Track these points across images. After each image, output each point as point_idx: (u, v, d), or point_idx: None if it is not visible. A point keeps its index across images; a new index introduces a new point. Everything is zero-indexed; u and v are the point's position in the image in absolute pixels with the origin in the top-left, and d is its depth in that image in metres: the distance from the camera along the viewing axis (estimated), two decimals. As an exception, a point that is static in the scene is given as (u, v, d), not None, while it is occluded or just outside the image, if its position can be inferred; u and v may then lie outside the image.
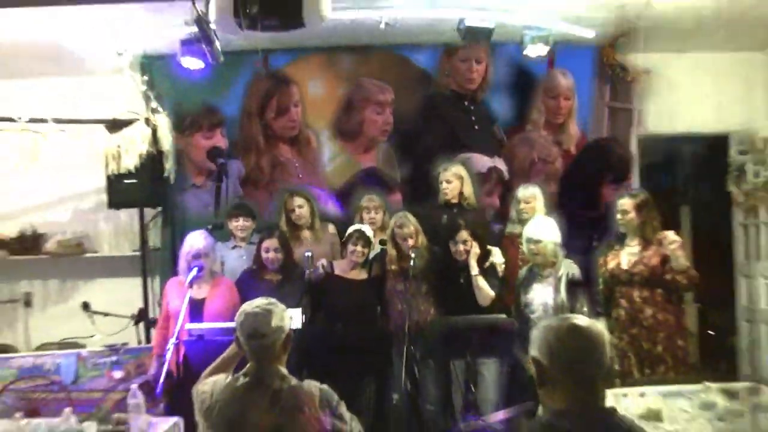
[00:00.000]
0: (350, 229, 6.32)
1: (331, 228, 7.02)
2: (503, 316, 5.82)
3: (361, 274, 6.31)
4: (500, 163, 7.62)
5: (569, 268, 6.05)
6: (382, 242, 6.43)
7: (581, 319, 2.47)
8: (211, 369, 3.80)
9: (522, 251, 6.42)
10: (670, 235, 5.82)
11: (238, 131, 7.65)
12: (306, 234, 6.79)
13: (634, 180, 7.63)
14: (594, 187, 7.54)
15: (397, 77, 7.73)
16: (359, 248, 6.19)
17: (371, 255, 6.41)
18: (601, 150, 7.71)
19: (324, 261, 6.30)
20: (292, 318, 5.31)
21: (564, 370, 2.36)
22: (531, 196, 6.72)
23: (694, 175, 9.91)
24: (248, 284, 6.15)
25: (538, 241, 6.01)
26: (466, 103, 7.77)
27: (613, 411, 2.34)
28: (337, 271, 6.30)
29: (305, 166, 7.67)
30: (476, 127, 7.73)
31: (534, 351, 2.45)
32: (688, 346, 5.91)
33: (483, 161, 7.56)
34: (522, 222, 6.63)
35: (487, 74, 7.74)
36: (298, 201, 6.82)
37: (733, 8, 6.52)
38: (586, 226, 7.15)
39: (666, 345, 5.81)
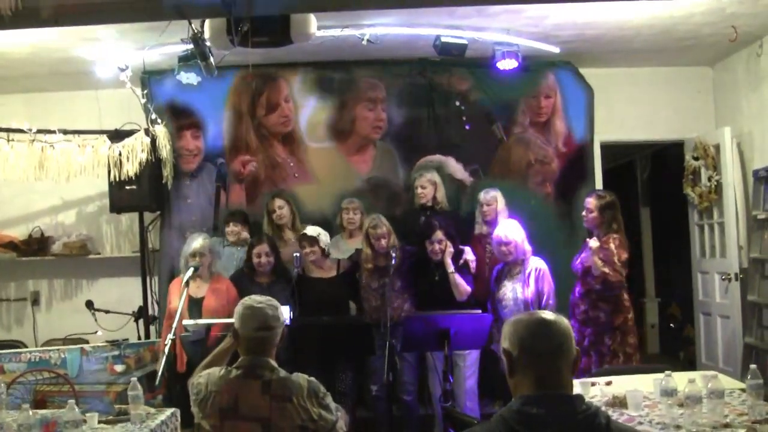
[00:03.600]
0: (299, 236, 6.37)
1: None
2: (479, 310, 5.82)
3: (331, 271, 6.35)
4: (466, 176, 7.48)
5: (537, 263, 6.09)
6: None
7: (548, 314, 2.49)
8: (206, 362, 3.78)
9: (488, 250, 6.51)
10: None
11: (229, 132, 7.52)
12: (289, 234, 6.80)
13: (598, 183, 7.61)
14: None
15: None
16: (307, 249, 6.23)
17: (347, 255, 6.44)
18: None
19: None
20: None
21: (533, 360, 2.37)
22: (492, 198, 6.76)
23: (652, 180, 9.97)
24: (241, 286, 6.16)
25: (507, 243, 6.05)
26: (457, 103, 7.61)
27: (580, 398, 2.34)
28: (308, 272, 6.34)
29: (299, 165, 7.53)
30: (468, 126, 7.59)
31: (505, 343, 2.44)
32: (616, 344, 5.86)
33: (456, 169, 7.50)
34: (486, 223, 6.72)
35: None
36: (279, 202, 6.86)
37: (684, 27, 6.56)
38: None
39: (592, 340, 5.86)
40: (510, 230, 6.10)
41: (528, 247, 6.12)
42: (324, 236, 6.29)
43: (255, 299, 3.59)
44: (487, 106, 7.56)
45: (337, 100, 7.54)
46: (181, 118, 7.40)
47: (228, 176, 7.32)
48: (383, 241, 6.19)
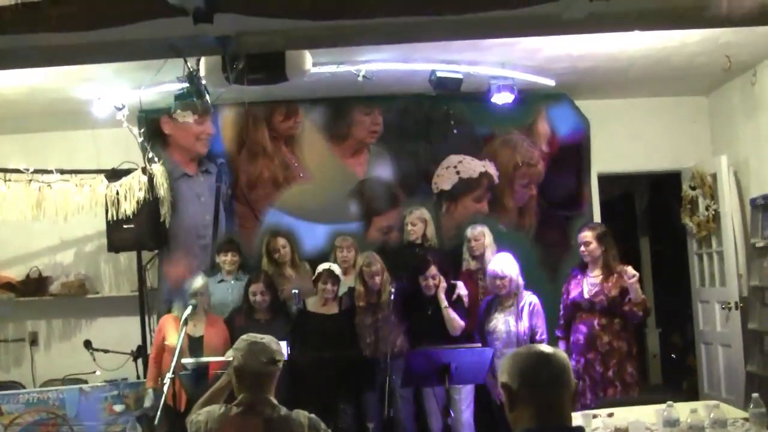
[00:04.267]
0: (319, 268, 6.39)
1: (307, 266, 7.03)
2: (479, 345, 5.80)
3: (332, 309, 6.36)
4: (491, 167, 7.56)
5: (530, 298, 6.13)
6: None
7: (546, 347, 2.51)
8: (203, 400, 3.76)
9: (481, 285, 6.56)
10: (630, 269, 5.86)
11: (240, 138, 7.57)
12: (289, 271, 6.81)
13: (596, 215, 7.63)
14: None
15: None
16: (329, 286, 6.27)
17: (341, 291, 6.45)
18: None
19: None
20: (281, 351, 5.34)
21: (534, 393, 2.37)
22: (480, 233, 6.79)
23: (651, 210, 9.98)
24: (239, 324, 6.17)
25: (503, 277, 6.06)
26: (445, 107, 7.59)
27: (580, 430, 2.34)
28: (309, 308, 6.37)
29: (303, 168, 7.57)
30: (455, 132, 7.61)
31: (504, 377, 2.45)
32: (635, 372, 5.92)
33: (474, 165, 7.55)
34: (474, 258, 6.77)
35: None
36: (281, 242, 6.91)
37: (678, 57, 6.60)
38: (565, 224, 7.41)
39: (616, 369, 5.85)
40: (505, 264, 6.11)
41: (521, 281, 6.15)
42: (342, 278, 6.38)
43: (255, 336, 3.59)
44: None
45: (334, 104, 7.58)
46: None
47: (228, 176, 7.34)
48: (377, 279, 6.23)
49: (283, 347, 5.48)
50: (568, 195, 7.67)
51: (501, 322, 6.07)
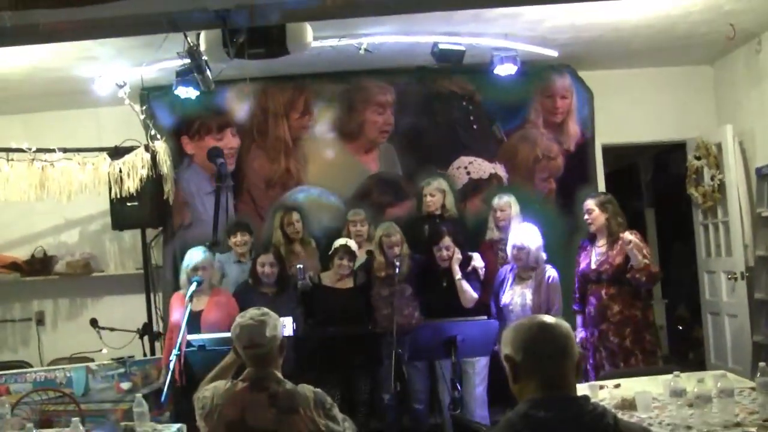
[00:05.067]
0: (336, 244, 6.34)
1: (313, 243, 7.04)
2: (485, 317, 5.79)
3: (348, 283, 6.33)
4: (500, 170, 7.51)
5: (550, 272, 6.04)
6: (369, 253, 6.41)
7: (547, 318, 2.49)
8: (211, 376, 3.78)
9: (500, 256, 6.44)
10: (626, 235, 5.76)
11: (257, 134, 7.53)
12: (298, 248, 6.78)
13: (600, 187, 7.58)
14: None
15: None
16: (345, 262, 6.25)
17: (356, 265, 6.39)
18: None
19: (311, 273, 6.31)
20: (285, 326, 5.34)
21: (538, 363, 2.37)
22: (506, 203, 6.69)
23: (655, 181, 9.94)
24: (246, 297, 6.10)
25: (522, 248, 5.98)
26: (464, 103, 7.59)
27: (586, 398, 2.33)
28: (325, 282, 6.35)
29: (305, 168, 7.57)
30: (475, 126, 7.60)
31: (507, 349, 2.44)
32: (654, 339, 5.87)
33: (484, 167, 7.50)
34: (499, 229, 6.64)
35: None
36: (296, 216, 6.86)
37: (682, 26, 6.54)
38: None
39: (634, 339, 5.76)
40: (526, 235, 6.03)
41: (543, 255, 6.07)
42: (358, 253, 6.36)
43: (247, 315, 3.59)
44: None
45: (346, 102, 7.55)
46: (219, 116, 7.43)
47: (228, 176, 7.24)
48: (396, 249, 6.18)
49: (288, 323, 5.53)
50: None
51: (518, 295, 6.02)
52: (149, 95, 7.23)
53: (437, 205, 6.84)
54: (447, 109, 7.60)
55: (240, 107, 7.48)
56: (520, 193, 7.03)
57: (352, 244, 6.33)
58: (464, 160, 7.53)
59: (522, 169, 7.54)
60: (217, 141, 7.36)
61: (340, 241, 6.34)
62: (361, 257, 6.53)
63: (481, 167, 7.52)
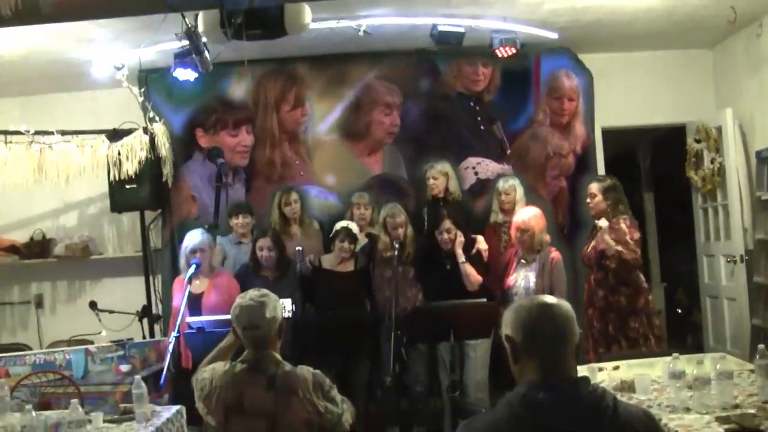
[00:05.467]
0: (337, 226, 6.33)
1: (316, 225, 7.03)
2: (484, 300, 5.77)
3: (348, 266, 6.32)
4: (508, 170, 7.44)
5: (554, 255, 6.04)
6: (369, 235, 6.41)
7: (549, 298, 2.48)
8: (210, 358, 3.78)
9: (504, 239, 6.43)
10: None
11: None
12: (296, 229, 6.76)
13: (600, 171, 7.56)
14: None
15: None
16: (346, 244, 6.23)
17: (358, 248, 6.39)
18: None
19: (311, 256, 6.31)
20: (285, 307, 5.34)
21: (537, 345, 2.35)
22: (510, 187, 6.71)
23: (655, 164, 9.91)
24: (246, 280, 6.08)
25: (526, 230, 5.98)
26: (471, 104, 7.58)
27: (585, 380, 2.32)
28: (325, 265, 6.34)
29: (304, 166, 7.52)
30: (482, 128, 7.57)
31: (507, 330, 2.43)
32: (643, 327, 5.78)
33: (492, 167, 7.48)
34: (504, 212, 6.65)
35: (495, 76, 7.54)
36: (294, 196, 6.83)
37: (683, 9, 6.52)
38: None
39: (617, 325, 5.75)
40: (530, 217, 6.03)
41: (547, 238, 6.08)
42: (359, 236, 6.35)
43: (247, 296, 3.58)
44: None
45: (353, 101, 7.52)
46: (237, 111, 7.41)
47: (228, 176, 7.18)
48: (400, 231, 6.18)
49: (288, 304, 5.52)
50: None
51: (521, 278, 6.02)
52: (147, 77, 7.17)
53: (440, 189, 6.82)
54: (453, 110, 7.58)
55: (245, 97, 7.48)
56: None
57: (354, 226, 6.31)
58: (472, 160, 7.49)
59: (533, 168, 7.49)
60: (232, 137, 7.37)
61: (342, 224, 6.33)
62: (362, 240, 6.53)
63: (488, 167, 7.49)
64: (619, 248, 5.67)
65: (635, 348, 5.63)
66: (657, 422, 2.43)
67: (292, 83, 7.46)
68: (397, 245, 5.96)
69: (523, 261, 6.10)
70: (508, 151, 7.55)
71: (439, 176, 6.83)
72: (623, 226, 5.75)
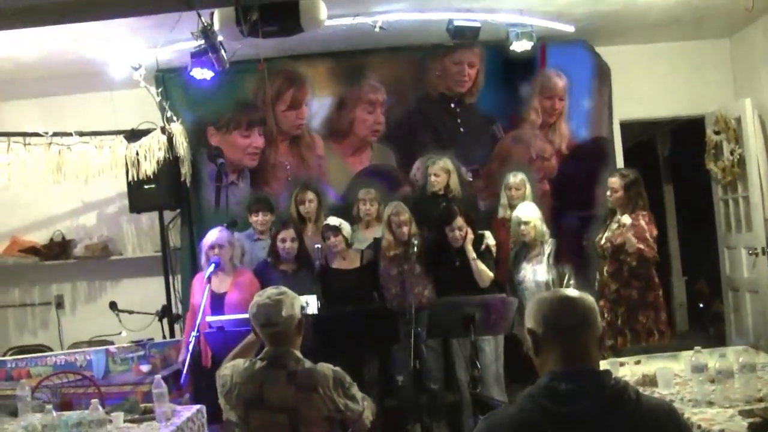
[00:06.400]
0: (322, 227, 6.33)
1: None
2: (503, 295, 5.76)
3: (354, 263, 6.30)
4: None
5: (555, 246, 6.08)
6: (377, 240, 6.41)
7: (572, 291, 2.46)
8: (232, 355, 3.80)
9: (512, 234, 6.41)
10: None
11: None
12: (311, 228, 6.72)
13: (619, 164, 7.51)
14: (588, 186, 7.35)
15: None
16: (332, 239, 6.18)
17: (364, 245, 6.40)
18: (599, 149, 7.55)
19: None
20: (309, 303, 5.33)
21: (558, 336, 2.33)
22: (521, 182, 6.71)
23: (674, 156, 9.86)
24: (265, 275, 6.10)
25: (527, 222, 6.06)
26: (452, 105, 7.54)
27: (608, 373, 2.30)
28: (332, 264, 6.30)
29: (299, 168, 7.48)
30: (462, 129, 7.53)
31: (529, 323, 2.41)
32: (653, 323, 5.81)
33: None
34: (512, 207, 6.63)
35: (478, 78, 7.50)
36: (310, 195, 6.77)
37: (698, -1, 6.45)
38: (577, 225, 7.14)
39: (626, 318, 5.78)
40: (529, 211, 6.10)
41: (546, 229, 6.11)
42: (346, 226, 6.27)
43: (263, 294, 3.58)
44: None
45: (337, 99, 7.50)
46: (251, 112, 7.40)
47: (228, 177, 7.15)
48: (405, 229, 6.15)
49: (312, 300, 5.50)
50: (582, 193, 7.40)
51: (529, 272, 6.06)
52: (164, 77, 7.17)
53: (442, 185, 6.76)
54: (434, 111, 7.55)
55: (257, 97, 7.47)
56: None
57: (332, 220, 6.28)
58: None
59: (516, 168, 7.22)
60: (244, 138, 7.36)
61: (324, 222, 6.36)
62: (370, 237, 6.55)
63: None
64: (641, 246, 5.69)
65: (638, 342, 5.66)
66: (680, 414, 2.40)
67: (290, 84, 7.43)
68: (415, 241, 5.93)
69: (529, 255, 6.14)
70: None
71: (441, 173, 6.76)
72: (642, 222, 5.78)
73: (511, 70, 7.40)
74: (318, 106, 7.50)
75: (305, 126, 7.48)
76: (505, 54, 6.88)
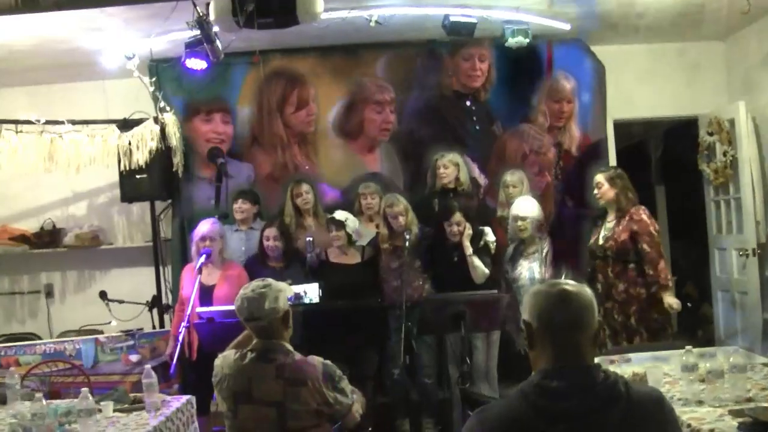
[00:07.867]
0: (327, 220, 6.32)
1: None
2: (495, 291, 5.75)
3: (355, 258, 6.30)
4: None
5: (551, 244, 6.05)
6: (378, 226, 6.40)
7: (570, 285, 2.42)
8: (234, 344, 3.79)
9: (509, 230, 6.41)
10: (642, 211, 5.78)
11: (256, 130, 7.49)
12: (310, 221, 6.72)
13: (612, 162, 7.52)
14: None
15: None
16: (335, 232, 6.19)
17: (365, 241, 6.36)
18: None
19: (317, 249, 6.28)
20: (307, 293, 5.30)
21: (551, 333, 2.32)
22: (518, 180, 6.70)
23: (667, 157, 9.86)
24: (254, 270, 6.08)
25: (524, 218, 6.04)
26: (468, 102, 7.57)
27: (597, 367, 2.30)
28: (331, 258, 6.30)
29: (313, 166, 7.50)
30: (477, 127, 7.54)
31: (525, 315, 2.40)
32: (663, 318, 5.77)
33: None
34: (510, 205, 6.60)
35: (491, 72, 7.50)
36: (305, 187, 6.78)
37: (695, 0, 6.46)
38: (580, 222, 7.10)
39: (639, 317, 5.73)
40: (526, 206, 6.08)
41: (543, 227, 6.06)
42: (352, 222, 6.27)
43: (248, 287, 3.59)
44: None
45: (346, 100, 7.50)
46: (210, 102, 7.40)
47: (228, 177, 7.12)
48: (401, 219, 6.15)
49: (313, 289, 5.49)
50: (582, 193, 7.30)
51: (525, 269, 6.05)
52: (158, 66, 7.15)
53: (451, 178, 6.73)
54: (449, 109, 7.55)
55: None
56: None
57: (338, 214, 6.28)
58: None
59: (511, 164, 7.31)
60: (205, 123, 7.38)
61: (328, 216, 6.36)
62: (374, 231, 6.51)
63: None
64: (644, 246, 5.67)
65: (656, 340, 5.59)
66: (668, 401, 2.39)
67: (293, 86, 7.43)
68: (407, 235, 5.92)
69: (525, 252, 6.12)
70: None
71: (450, 165, 6.73)
72: (644, 216, 5.73)
73: (519, 70, 7.41)
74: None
75: (315, 121, 7.49)
76: (512, 53, 6.90)
